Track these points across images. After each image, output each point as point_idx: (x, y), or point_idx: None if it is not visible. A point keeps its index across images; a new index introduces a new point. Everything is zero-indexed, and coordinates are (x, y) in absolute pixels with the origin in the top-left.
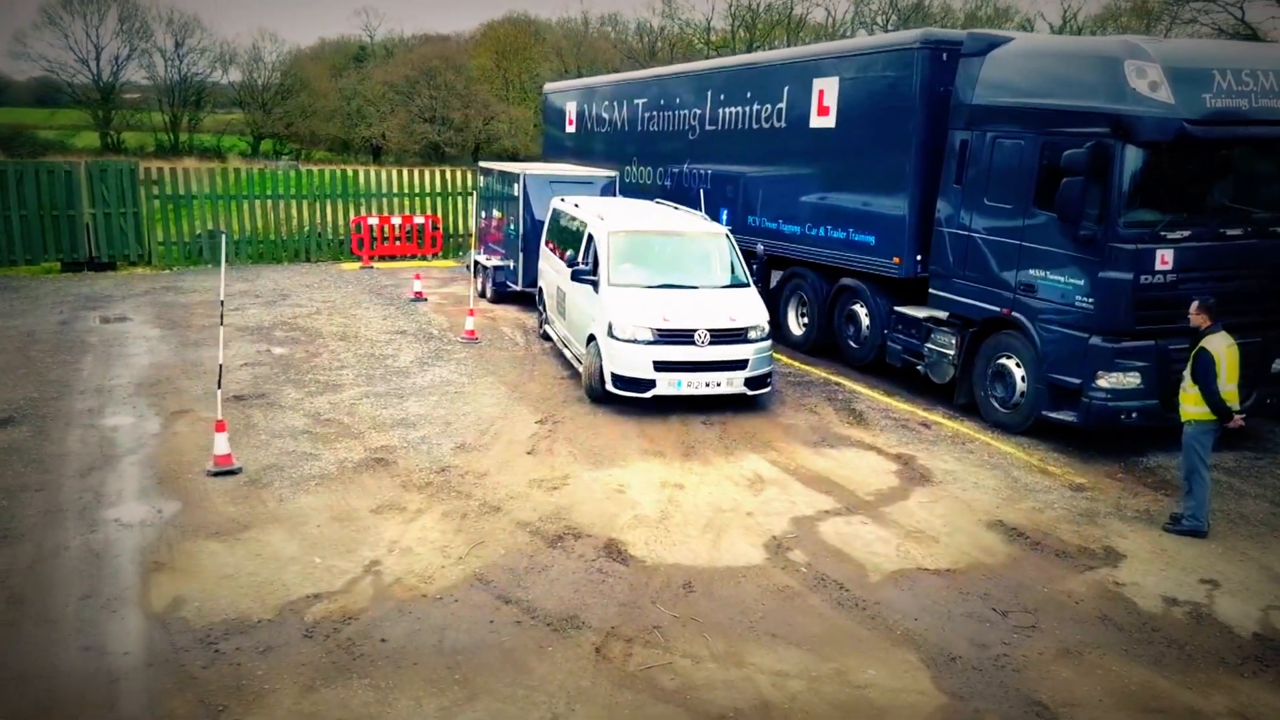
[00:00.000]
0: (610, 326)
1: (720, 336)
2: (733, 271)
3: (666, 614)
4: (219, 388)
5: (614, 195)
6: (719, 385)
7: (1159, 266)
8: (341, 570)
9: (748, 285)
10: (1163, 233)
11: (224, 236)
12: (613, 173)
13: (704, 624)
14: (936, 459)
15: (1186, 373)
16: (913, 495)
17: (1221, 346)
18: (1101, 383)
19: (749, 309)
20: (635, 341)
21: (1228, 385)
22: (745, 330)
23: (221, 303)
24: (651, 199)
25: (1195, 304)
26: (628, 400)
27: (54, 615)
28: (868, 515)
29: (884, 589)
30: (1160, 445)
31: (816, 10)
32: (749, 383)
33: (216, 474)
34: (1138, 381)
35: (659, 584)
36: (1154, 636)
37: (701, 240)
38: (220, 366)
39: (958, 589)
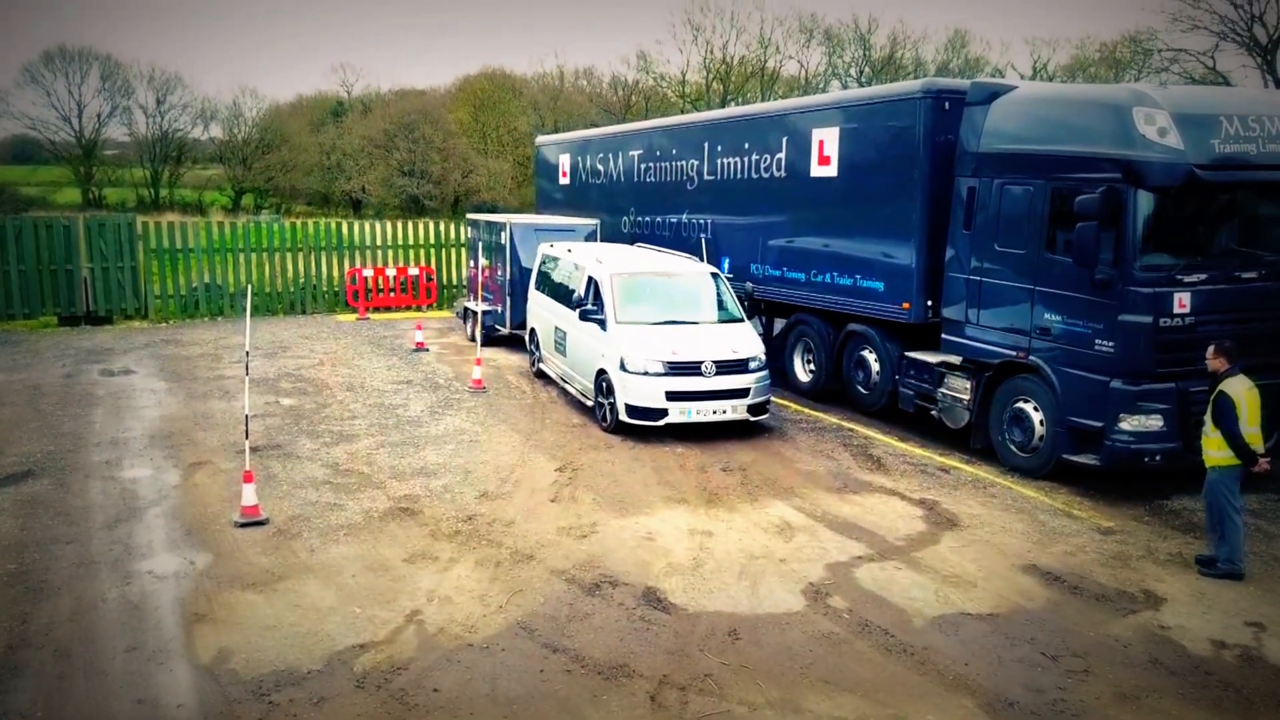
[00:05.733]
0: (622, 361)
1: (724, 367)
2: (727, 307)
3: (716, 661)
4: (247, 438)
5: (596, 242)
6: (725, 412)
7: (1177, 309)
8: (383, 620)
9: (743, 320)
10: (1179, 276)
11: (248, 290)
12: (594, 221)
13: (755, 671)
14: (961, 504)
15: (1207, 417)
16: (943, 540)
17: (1241, 390)
18: (1124, 425)
19: (747, 341)
20: (647, 374)
21: (1250, 428)
22: (746, 361)
23: (247, 353)
24: (635, 245)
25: (1212, 348)
26: (644, 447)
27: (102, 668)
28: (901, 560)
29: (929, 634)
30: (1182, 487)
31: (789, 63)
32: (751, 409)
33: (244, 525)
34: (1160, 424)
35: (704, 631)
36: (1208, 680)
37: (694, 279)
38: (246, 417)
39: (1004, 633)
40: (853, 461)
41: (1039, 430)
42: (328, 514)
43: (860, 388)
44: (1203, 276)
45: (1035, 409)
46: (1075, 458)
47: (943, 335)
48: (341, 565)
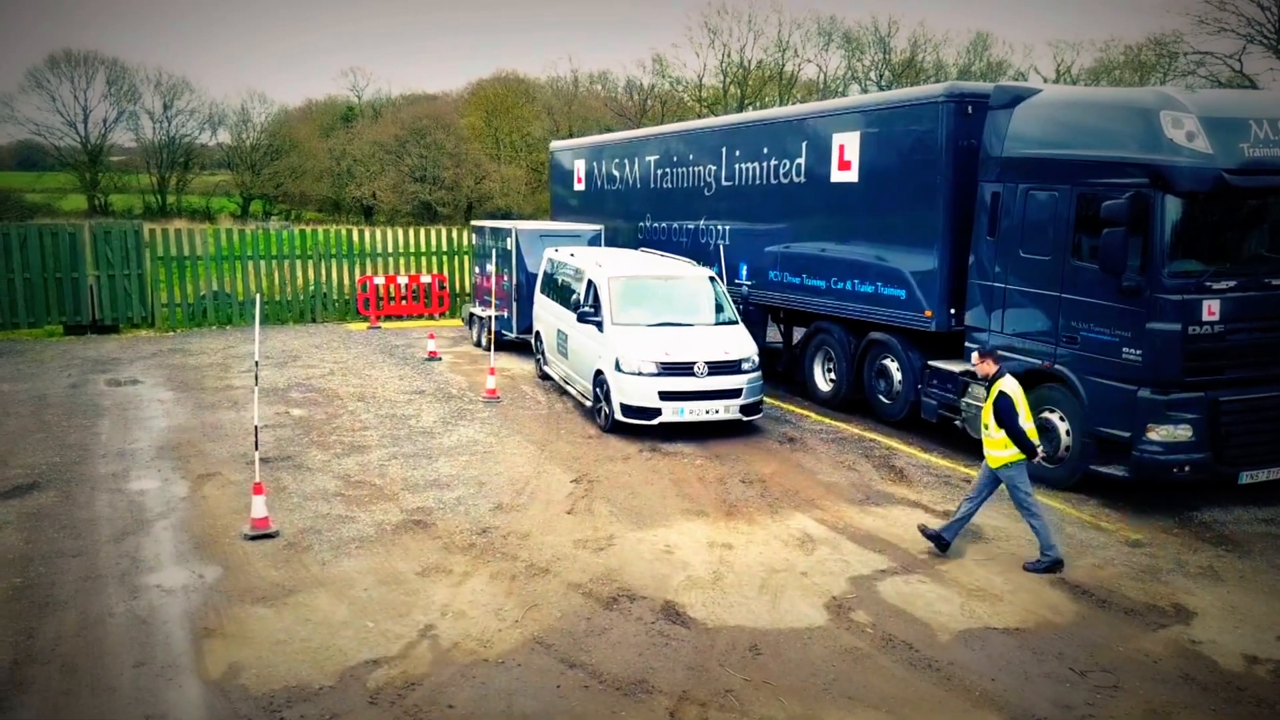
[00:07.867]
0: (617, 362)
1: (717, 368)
2: (722, 310)
3: (736, 677)
4: (256, 449)
5: (600, 246)
6: (717, 412)
7: (1206, 317)
8: (396, 635)
9: (737, 323)
10: (1208, 283)
11: (258, 298)
12: (599, 226)
13: (776, 687)
14: (985, 516)
15: (989, 420)
16: (967, 553)
17: (1015, 387)
18: (1152, 435)
19: (740, 343)
20: (641, 374)
21: (1027, 423)
22: (739, 362)
23: (256, 363)
24: (639, 250)
25: (976, 354)
26: (662, 458)
27: (110, 684)
28: (925, 574)
29: (955, 649)
30: (1212, 499)
31: (808, 67)
32: (744, 409)
33: (254, 538)
34: (1189, 434)
35: (724, 646)
36: (1241, 696)
37: (690, 282)
38: (256, 428)
39: (1030, 648)
40: (875, 473)
41: (1065, 440)
42: (339, 526)
43: (882, 397)
44: (1232, 283)
45: (1061, 419)
46: (1102, 469)
47: (966, 344)
48: (353, 579)
